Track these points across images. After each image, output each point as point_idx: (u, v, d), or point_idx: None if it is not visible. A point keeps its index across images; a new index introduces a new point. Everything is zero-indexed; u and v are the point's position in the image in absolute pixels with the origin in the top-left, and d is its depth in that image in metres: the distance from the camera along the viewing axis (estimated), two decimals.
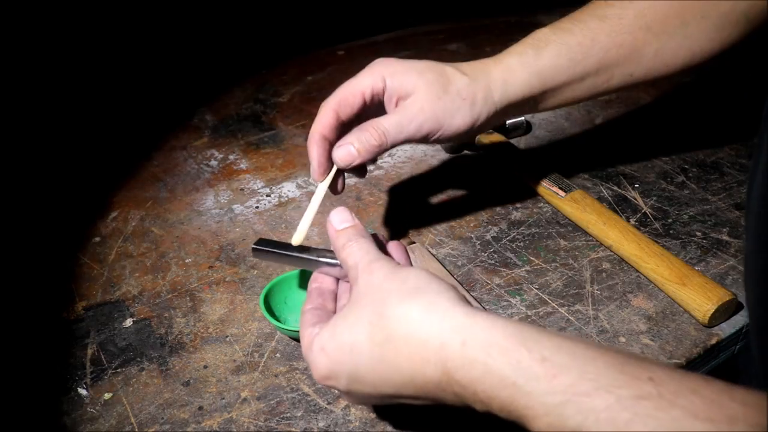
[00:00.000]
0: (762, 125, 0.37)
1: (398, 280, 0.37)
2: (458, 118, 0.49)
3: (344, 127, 0.49)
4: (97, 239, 0.63)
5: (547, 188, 0.63)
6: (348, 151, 0.47)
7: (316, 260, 0.45)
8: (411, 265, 0.45)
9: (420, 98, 0.48)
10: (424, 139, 0.50)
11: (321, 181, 0.50)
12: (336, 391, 0.45)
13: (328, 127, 0.48)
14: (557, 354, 0.30)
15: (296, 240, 0.48)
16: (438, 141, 0.51)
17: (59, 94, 0.89)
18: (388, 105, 0.50)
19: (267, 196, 0.69)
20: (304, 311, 0.42)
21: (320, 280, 0.45)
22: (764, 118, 0.37)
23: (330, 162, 0.49)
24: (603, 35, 0.52)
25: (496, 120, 0.52)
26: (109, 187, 0.71)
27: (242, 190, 0.70)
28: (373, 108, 0.50)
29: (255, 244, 0.47)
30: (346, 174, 0.52)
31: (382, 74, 0.49)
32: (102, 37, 0.97)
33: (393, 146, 0.48)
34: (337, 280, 0.46)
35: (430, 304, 0.35)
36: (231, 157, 0.76)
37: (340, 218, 0.43)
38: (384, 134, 0.47)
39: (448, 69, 0.50)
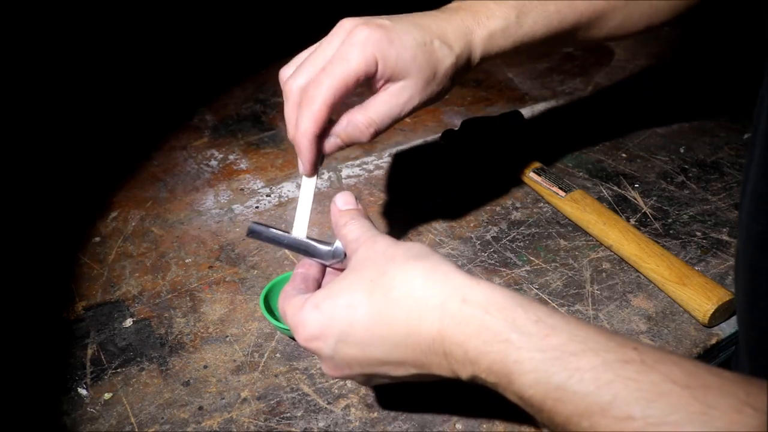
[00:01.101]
0: (754, 122, 0.38)
1: (403, 247, 0.38)
2: (440, 95, 0.48)
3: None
4: (97, 239, 0.63)
5: (547, 188, 0.63)
6: (336, 144, 0.46)
7: (307, 242, 0.45)
8: None
9: (410, 85, 0.45)
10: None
11: (310, 177, 0.47)
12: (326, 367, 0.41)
13: (322, 124, 0.44)
14: (551, 317, 0.31)
15: (297, 234, 0.47)
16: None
17: (59, 94, 0.89)
18: (375, 85, 0.46)
19: (267, 196, 0.69)
20: (286, 289, 0.41)
21: (306, 266, 0.44)
22: (755, 115, 0.37)
23: (320, 156, 0.47)
24: (580, 2, 0.52)
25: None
26: (109, 187, 0.71)
27: (242, 190, 0.70)
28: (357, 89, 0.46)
29: (252, 223, 0.46)
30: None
31: (375, 57, 0.43)
32: (102, 38, 0.97)
33: (379, 132, 0.46)
34: (324, 269, 0.45)
35: (434, 266, 0.35)
36: (231, 157, 0.76)
37: (344, 200, 0.43)
38: (373, 125, 0.45)
39: (436, 44, 0.45)
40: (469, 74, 0.51)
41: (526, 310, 0.32)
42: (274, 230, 0.46)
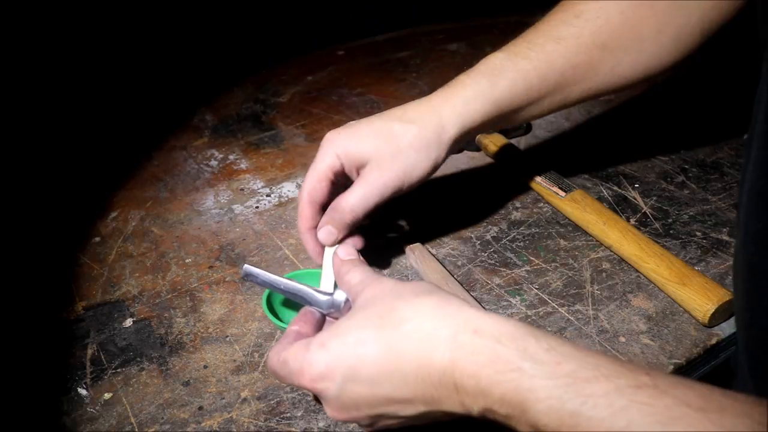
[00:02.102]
0: (752, 121, 0.38)
1: (410, 285, 0.38)
2: (417, 169, 0.51)
3: (326, 207, 0.51)
4: (97, 239, 0.63)
5: (547, 188, 0.63)
6: (328, 231, 0.49)
7: (306, 289, 0.46)
8: None
9: (375, 165, 0.50)
10: (394, 195, 0.51)
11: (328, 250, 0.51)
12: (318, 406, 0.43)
13: (310, 219, 0.51)
14: (562, 346, 0.32)
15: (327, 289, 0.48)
16: (409, 190, 0.52)
17: (59, 95, 0.89)
18: (351, 175, 0.52)
19: (267, 196, 0.69)
20: (278, 347, 0.41)
21: (301, 324, 0.44)
22: (754, 114, 0.37)
23: (320, 245, 0.51)
24: (559, 58, 0.52)
25: (456, 148, 0.54)
26: (109, 187, 0.71)
27: (242, 190, 0.70)
28: (342, 180, 0.52)
29: (246, 265, 0.47)
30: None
31: (335, 152, 0.50)
32: (102, 38, 0.97)
33: (365, 214, 0.50)
34: (321, 326, 0.45)
35: (443, 301, 0.36)
36: (231, 157, 0.76)
37: (346, 251, 0.47)
38: (352, 210, 0.49)
39: (396, 126, 0.50)
40: (463, 141, 0.53)
41: (537, 339, 0.32)
42: (270, 275, 0.46)
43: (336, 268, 0.45)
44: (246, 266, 0.46)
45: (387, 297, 0.37)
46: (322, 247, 0.51)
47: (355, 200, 0.50)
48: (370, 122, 0.51)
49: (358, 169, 0.51)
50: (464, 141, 0.54)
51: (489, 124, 0.53)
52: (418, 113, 0.51)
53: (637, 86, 0.56)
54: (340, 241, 0.50)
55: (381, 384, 0.35)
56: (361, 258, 0.46)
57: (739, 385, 0.44)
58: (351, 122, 0.52)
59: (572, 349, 0.31)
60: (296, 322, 0.44)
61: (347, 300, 0.45)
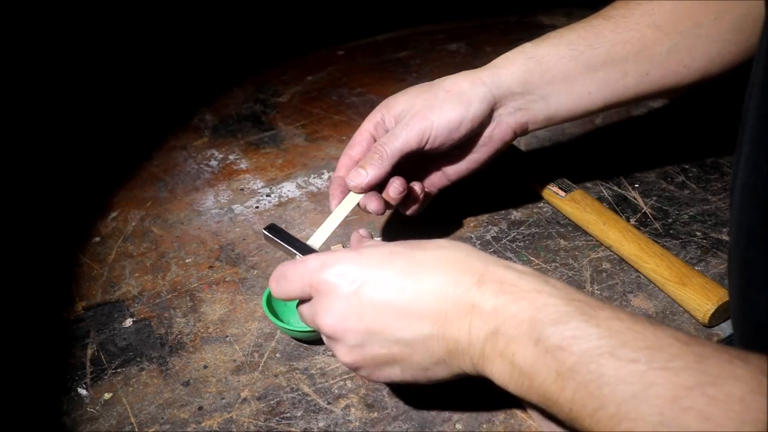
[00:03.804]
0: (742, 118, 0.38)
1: (432, 241, 0.40)
2: (447, 108, 0.51)
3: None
4: (97, 239, 0.63)
5: (547, 188, 0.63)
6: (356, 171, 0.51)
7: (317, 251, 0.47)
8: None
9: (408, 107, 0.52)
10: (428, 143, 0.51)
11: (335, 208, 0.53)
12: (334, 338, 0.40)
13: (342, 168, 0.54)
14: (577, 290, 0.36)
15: (313, 244, 0.49)
16: (441, 143, 0.52)
17: (59, 95, 0.89)
18: (390, 127, 0.54)
19: (267, 196, 0.69)
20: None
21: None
22: (744, 110, 0.38)
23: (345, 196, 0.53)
24: (607, 31, 0.52)
25: (501, 113, 0.53)
26: (109, 187, 0.71)
27: (242, 190, 0.70)
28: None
29: (266, 229, 0.49)
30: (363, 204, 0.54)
31: (380, 110, 0.54)
32: (102, 38, 0.97)
33: (395, 156, 0.51)
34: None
35: (471, 248, 0.39)
36: (231, 157, 0.76)
37: (364, 233, 0.48)
38: (380, 145, 0.51)
39: (437, 82, 0.53)
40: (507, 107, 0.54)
41: (556, 281, 0.36)
42: (285, 242, 0.48)
43: (354, 244, 0.47)
44: (269, 226, 0.49)
45: (410, 243, 0.39)
46: (344, 195, 0.52)
47: (385, 138, 0.51)
48: (419, 84, 0.54)
49: (396, 119, 0.53)
50: (508, 101, 0.53)
51: (536, 91, 0.52)
52: (455, 80, 0.53)
53: (697, 82, 0.54)
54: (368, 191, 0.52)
55: (402, 290, 0.36)
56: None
57: None
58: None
59: (584, 294, 0.35)
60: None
61: None
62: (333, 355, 0.49)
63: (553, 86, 0.52)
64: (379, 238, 0.50)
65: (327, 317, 0.38)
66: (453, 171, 0.57)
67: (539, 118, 0.54)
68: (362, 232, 0.48)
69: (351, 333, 0.37)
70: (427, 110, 0.51)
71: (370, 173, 0.51)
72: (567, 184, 0.63)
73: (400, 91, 0.55)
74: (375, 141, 0.54)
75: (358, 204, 0.52)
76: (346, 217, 0.51)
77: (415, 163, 0.55)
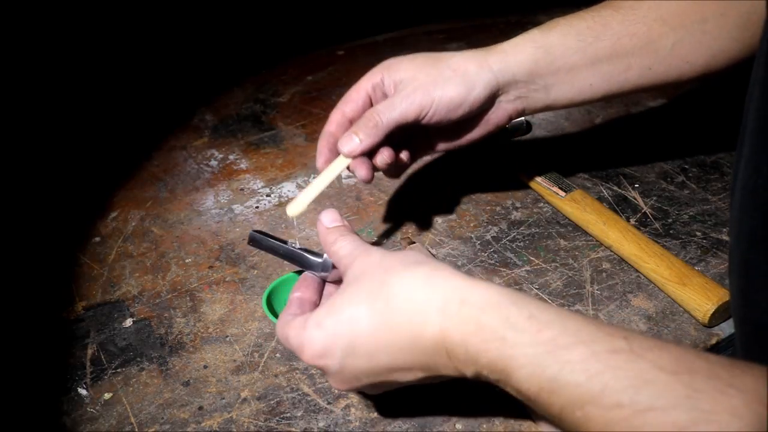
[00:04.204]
0: (743, 119, 0.38)
1: (399, 255, 0.39)
2: (450, 88, 0.50)
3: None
4: (97, 239, 0.63)
5: (547, 188, 0.63)
6: (348, 137, 0.50)
7: (301, 253, 0.46)
8: None
9: (410, 81, 0.51)
10: (425, 118, 0.50)
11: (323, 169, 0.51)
12: (328, 383, 0.44)
13: (334, 123, 0.52)
14: (543, 313, 0.33)
15: (292, 210, 0.49)
16: (438, 120, 0.51)
17: (60, 95, 0.89)
18: (389, 92, 0.53)
19: (267, 196, 0.69)
20: (283, 316, 0.41)
21: (302, 289, 0.45)
22: (745, 112, 0.37)
23: (334, 155, 0.52)
24: (615, 23, 0.52)
25: (502, 100, 0.53)
26: (109, 187, 0.71)
27: (242, 190, 0.70)
28: (380, 100, 0.53)
29: (253, 232, 0.48)
30: (351, 175, 0.52)
31: (381, 70, 0.52)
32: (102, 38, 0.97)
33: (390, 126, 0.50)
34: (320, 291, 0.46)
35: (432, 271, 0.36)
36: (231, 157, 0.76)
37: (331, 218, 0.45)
38: (377, 113, 0.50)
39: (443, 55, 0.52)
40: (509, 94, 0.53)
41: (519, 308, 0.33)
42: (273, 240, 0.47)
43: (322, 236, 0.44)
44: (251, 233, 0.47)
45: (376, 271, 0.38)
46: (333, 156, 0.51)
47: (381, 105, 0.50)
48: (425, 53, 0.53)
49: (395, 86, 0.51)
50: (511, 89, 0.52)
51: (540, 80, 0.52)
52: (470, 52, 0.52)
53: (698, 78, 0.54)
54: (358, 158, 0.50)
55: (379, 356, 0.36)
56: (345, 223, 0.45)
57: None
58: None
59: (554, 315, 0.33)
60: (297, 287, 0.45)
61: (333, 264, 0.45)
62: None
63: (557, 77, 0.52)
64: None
65: (335, 384, 0.40)
66: (442, 145, 0.56)
67: (538, 105, 0.54)
68: (326, 221, 0.44)
69: (362, 388, 0.40)
70: (431, 86, 0.50)
71: (363, 141, 0.49)
72: (567, 184, 0.63)
73: (403, 56, 0.53)
74: (371, 101, 0.53)
75: (348, 168, 0.51)
76: (333, 181, 0.50)
77: (404, 130, 0.54)
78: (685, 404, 0.27)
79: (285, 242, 0.47)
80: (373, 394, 0.41)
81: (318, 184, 0.49)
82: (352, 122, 0.52)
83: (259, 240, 0.47)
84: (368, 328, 0.36)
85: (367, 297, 0.37)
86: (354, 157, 0.50)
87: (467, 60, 0.51)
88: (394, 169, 0.55)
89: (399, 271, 0.37)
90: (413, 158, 0.57)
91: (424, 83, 0.50)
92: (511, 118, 0.55)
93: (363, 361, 0.37)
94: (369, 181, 0.51)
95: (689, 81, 0.54)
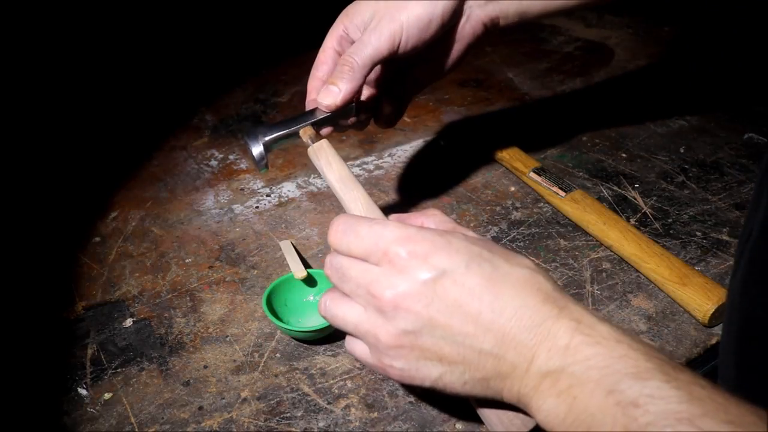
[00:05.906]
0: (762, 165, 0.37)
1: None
2: (414, 7, 0.48)
3: None
4: (97, 239, 0.63)
5: (547, 188, 0.63)
6: (326, 89, 0.48)
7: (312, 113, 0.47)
8: None
9: (376, 18, 0.49)
10: (400, 47, 0.49)
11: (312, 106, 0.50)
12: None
13: (314, 91, 0.51)
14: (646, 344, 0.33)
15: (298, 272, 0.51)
16: (413, 45, 0.49)
17: (60, 95, 0.89)
18: (356, 38, 0.50)
19: (267, 196, 0.69)
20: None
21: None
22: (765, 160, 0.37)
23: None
24: None
25: (472, 5, 0.51)
26: (109, 187, 0.71)
27: (242, 190, 0.70)
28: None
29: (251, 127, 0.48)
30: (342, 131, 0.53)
31: (341, 21, 0.51)
32: (103, 38, 0.97)
33: (366, 65, 0.48)
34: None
35: (552, 279, 0.36)
36: (231, 157, 0.76)
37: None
38: (349, 56, 0.48)
39: None
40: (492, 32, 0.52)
41: (632, 333, 0.34)
42: (278, 127, 0.48)
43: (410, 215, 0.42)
44: (250, 127, 0.47)
45: (496, 248, 0.36)
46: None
47: (353, 48, 0.48)
48: None
49: (361, 28, 0.50)
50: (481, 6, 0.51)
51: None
52: None
53: None
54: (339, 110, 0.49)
55: (480, 298, 0.33)
56: None
57: (721, 370, 0.44)
58: None
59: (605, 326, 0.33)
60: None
61: None
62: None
63: None
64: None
65: (389, 290, 0.34)
66: (426, 78, 0.55)
67: (510, 12, 0.52)
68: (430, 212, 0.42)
69: (411, 315, 0.34)
70: (394, 11, 0.48)
71: (342, 88, 0.48)
72: (567, 184, 0.63)
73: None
74: (339, 54, 0.51)
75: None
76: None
77: (387, 73, 0.53)
78: None
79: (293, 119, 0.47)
80: (398, 375, 0.36)
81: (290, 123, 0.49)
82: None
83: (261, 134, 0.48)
84: (487, 268, 0.34)
85: (488, 247, 0.35)
86: (338, 110, 0.49)
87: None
88: (385, 118, 0.54)
89: (519, 257, 0.36)
90: (405, 102, 0.55)
91: (387, 11, 0.48)
92: (486, 28, 0.53)
93: (459, 289, 0.33)
94: (344, 114, 0.50)
95: None
